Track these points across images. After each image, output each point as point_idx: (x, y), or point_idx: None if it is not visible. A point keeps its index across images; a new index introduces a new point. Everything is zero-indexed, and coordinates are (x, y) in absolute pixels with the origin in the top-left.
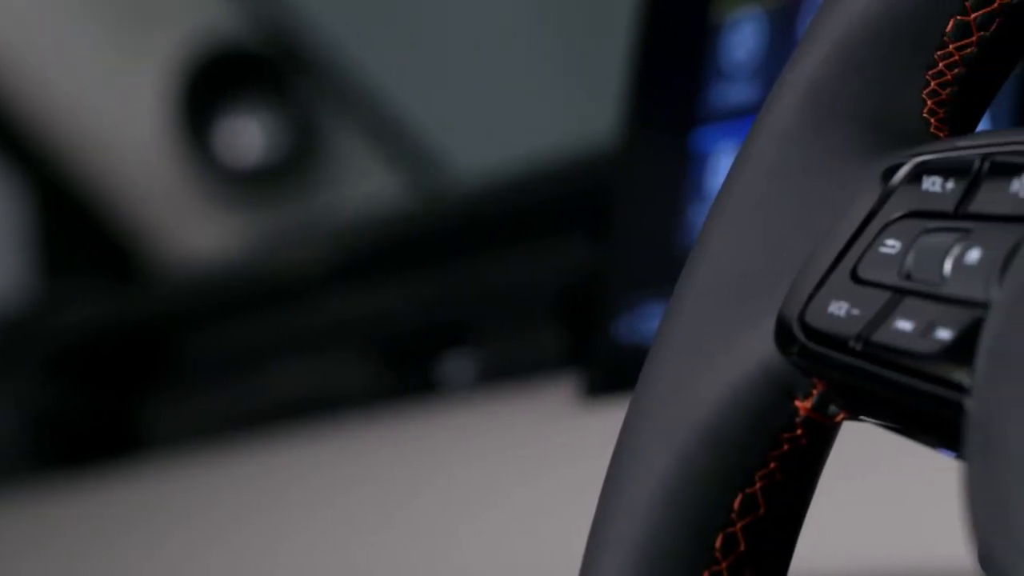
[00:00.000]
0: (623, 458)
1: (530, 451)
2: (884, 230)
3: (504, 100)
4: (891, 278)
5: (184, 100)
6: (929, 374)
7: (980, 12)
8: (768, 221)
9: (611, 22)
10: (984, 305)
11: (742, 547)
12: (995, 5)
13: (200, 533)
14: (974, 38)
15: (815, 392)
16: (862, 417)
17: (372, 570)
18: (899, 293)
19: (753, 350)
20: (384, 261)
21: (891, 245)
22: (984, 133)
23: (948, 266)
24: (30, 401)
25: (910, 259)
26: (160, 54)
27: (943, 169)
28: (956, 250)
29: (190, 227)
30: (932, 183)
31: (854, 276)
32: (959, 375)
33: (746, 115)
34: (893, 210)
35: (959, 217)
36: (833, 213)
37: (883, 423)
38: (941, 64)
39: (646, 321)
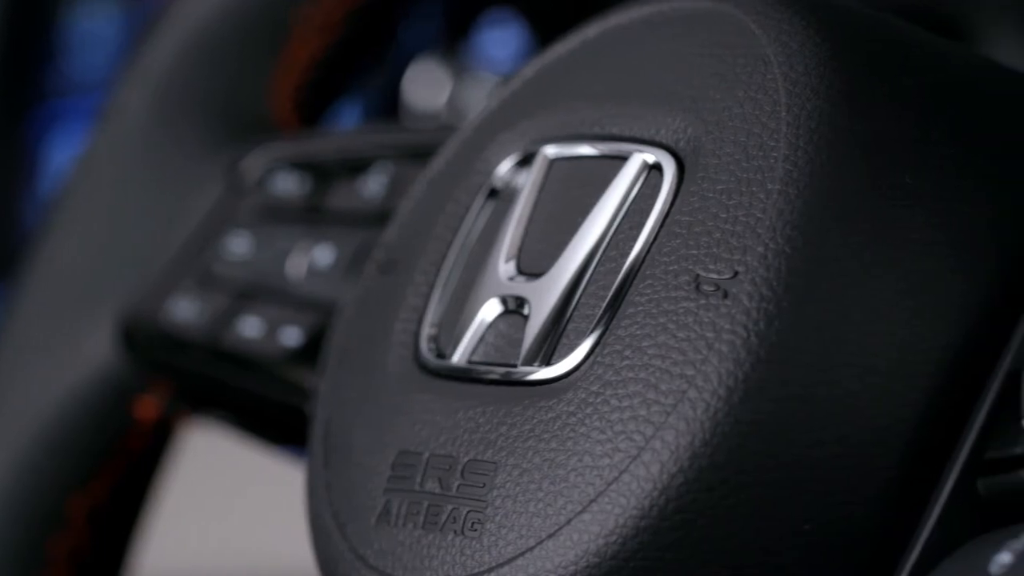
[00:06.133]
0: None
1: None
2: (232, 228)
3: None
4: (239, 278)
5: None
6: (273, 377)
7: (332, 9)
8: (113, 217)
9: None
10: (331, 306)
11: (84, 552)
12: (347, 3)
13: None
14: (326, 34)
15: (158, 393)
16: (208, 418)
17: None
18: (246, 294)
19: (94, 351)
20: None
21: (239, 244)
22: (337, 130)
23: (297, 266)
24: None
25: (258, 259)
26: None
27: (293, 166)
28: (304, 250)
29: None
30: (282, 180)
31: (202, 276)
32: (303, 378)
33: (91, 104)
34: (242, 208)
35: (309, 216)
36: (181, 211)
37: (231, 425)
38: (293, 58)
39: None
